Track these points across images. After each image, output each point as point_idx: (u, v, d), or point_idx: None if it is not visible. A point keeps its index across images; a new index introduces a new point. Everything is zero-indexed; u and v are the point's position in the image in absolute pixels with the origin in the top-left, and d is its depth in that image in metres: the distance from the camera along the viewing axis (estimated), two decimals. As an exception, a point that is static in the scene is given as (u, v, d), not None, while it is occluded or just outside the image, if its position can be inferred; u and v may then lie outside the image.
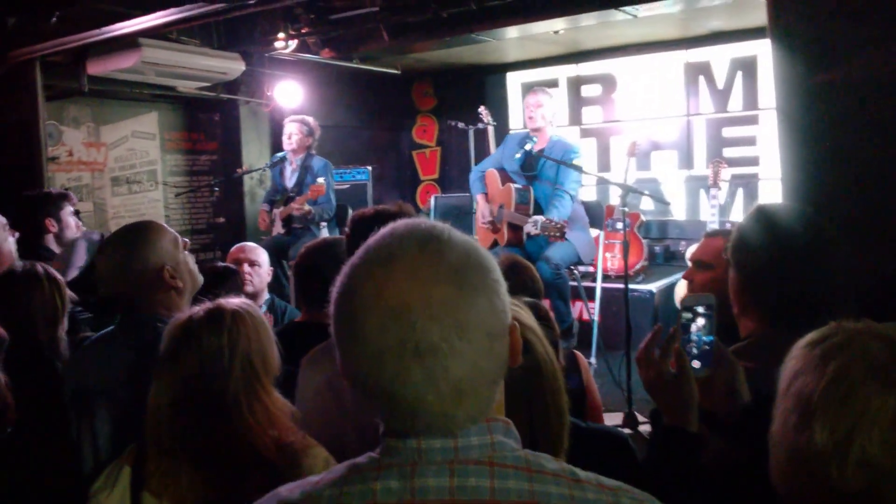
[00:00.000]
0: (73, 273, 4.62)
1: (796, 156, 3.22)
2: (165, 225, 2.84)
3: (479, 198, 6.90)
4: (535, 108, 6.56)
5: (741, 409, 1.88)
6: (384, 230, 1.23)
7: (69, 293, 3.26)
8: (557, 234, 5.70)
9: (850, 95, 3.02)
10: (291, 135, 7.34)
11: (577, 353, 3.55)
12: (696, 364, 1.87)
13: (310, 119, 7.44)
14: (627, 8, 6.71)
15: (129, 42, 6.62)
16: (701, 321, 1.88)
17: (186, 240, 2.88)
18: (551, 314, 2.70)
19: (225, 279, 3.90)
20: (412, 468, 1.16)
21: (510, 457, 1.19)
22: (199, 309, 2.17)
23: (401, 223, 1.24)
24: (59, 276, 3.22)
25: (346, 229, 2.97)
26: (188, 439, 2.02)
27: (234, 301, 2.20)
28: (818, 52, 3.10)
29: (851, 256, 2.29)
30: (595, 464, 2.33)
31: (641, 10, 6.90)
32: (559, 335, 2.64)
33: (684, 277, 3.13)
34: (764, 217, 2.25)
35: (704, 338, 1.88)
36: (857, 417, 1.22)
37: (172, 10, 5.26)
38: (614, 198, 8.39)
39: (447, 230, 1.22)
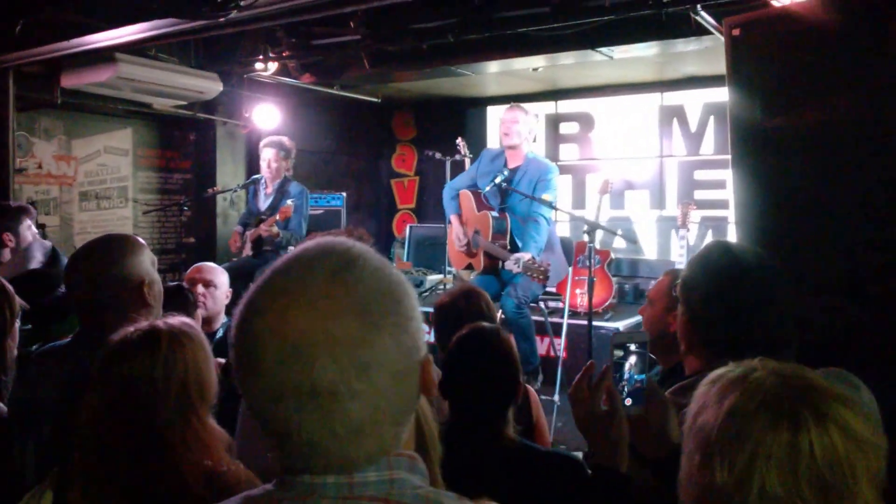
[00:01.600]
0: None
1: (748, 194, 3.27)
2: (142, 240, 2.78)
3: (453, 218, 6.74)
4: (510, 125, 6.40)
5: (673, 449, 1.82)
6: (295, 251, 1.18)
7: (20, 303, 3.17)
8: (540, 277, 5.59)
9: (802, 139, 3.08)
10: (269, 161, 7.20)
11: (529, 387, 3.51)
12: (628, 402, 1.85)
13: (285, 140, 7.32)
14: (603, 49, 6.76)
15: (104, 56, 6.61)
16: (633, 359, 1.86)
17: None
18: (513, 344, 2.69)
19: (171, 298, 3.81)
20: (305, 501, 1.11)
21: (409, 494, 1.13)
22: (133, 329, 2.06)
23: (313, 245, 1.18)
24: (9, 286, 3.13)
25: None
26: (117, 468, 1.90)
27: (172, 322, 2.09)
28: (774, 98, 3.15)
29: (797, 297, 2.27)
30: (547, 485, 2.33)
31: (617, 52, 6.96)
32: (518, 365, 2.64)
33: (639, 313, 3.14)
34: (713, 255, 2.24)
35: (636, 376, 1.86)
36: (753, 452, 1.23)
37: (146, 24, 5.24)
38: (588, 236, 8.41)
39: (363, 257, 1.16)
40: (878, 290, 2.86)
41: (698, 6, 5.15)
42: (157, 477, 1.90)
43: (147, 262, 2.68)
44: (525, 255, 5.73)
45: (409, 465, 1.17)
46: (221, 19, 4.67)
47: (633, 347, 1.87)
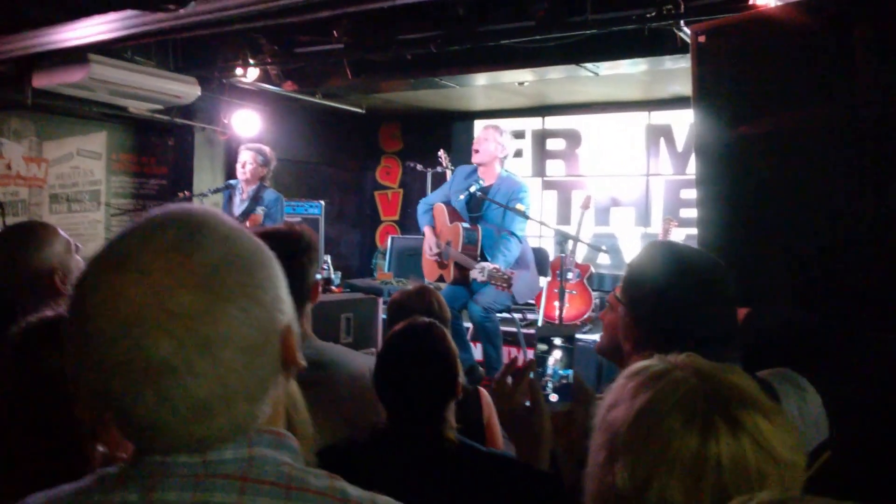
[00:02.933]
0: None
1: (710, 201, 3.24)
2: (59, 228, 2.73)
3: (427, 230, 6.76)
4: (480, 143, 6.47)
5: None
6: (139, 219, 1.07)
7: None
8: (504, 285, 5.62)
9: (764, 148, 3.03)
10: (245, 163, 7.03)
11: (482, 389, 3.43)
12: (553, 398, 1.80)
13: (266, 149, 7.17)
14: (589, 65, 6.72)
15: (76, 56, 6.48)
16: (558, 353, 1.81)
17: (80, 244, 2.76)
18: (448, 338, 2.55)
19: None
20: (154, 482, 1.03)
21: (270, 472, 1.06)
22: (37, 319, 1.94)
23: (156, 212, 1.08)
24: None
25: None
26: (21, 461, 1.78)
27: None
28: (739, 106, 3.11)
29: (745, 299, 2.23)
30: (486, 487, 2.19)
31: (603, 69, 6.95)
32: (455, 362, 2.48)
33: (600, 318, 3.07)
34: (655, 253, 2.15)
35: (561, 371, 1.81)
36: (657, 458, 1.13)
37: (116, 24, 5.15)
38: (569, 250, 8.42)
39: (209, 224, 1.07)
40: (832, 298, 2.84)
41: (681, 22, 5.08)
42: (65, 472, 1.77)
43: (60, 250, 2.64)
44: (490, 264, 5.76)
45: (273, 442, 1.10)
46: (181, 11, 4.56)
47: (557, 342, 1.82)
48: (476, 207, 6.50)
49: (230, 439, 1.05)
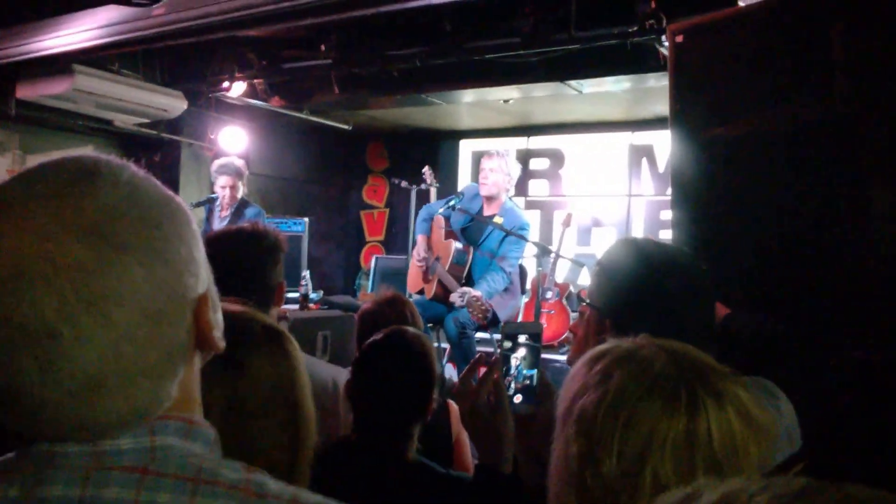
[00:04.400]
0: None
1: (686, 199, 3.22)
2: None
3: (420, 238, 6.65)
4: (488, 174, 6.34)
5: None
6: (33, 165, 0.93)
7: None
8: (479, 316, 5.56)
9: (741, 150, 3.02)
10: (225, 187, 6.99)
11: (452, 404, 3.35)
12: (517, 399, 1.74)
13: (238, 163, 7.13)
14: (573, 82, 6.77)
15: (60, 67, 6.48)
16: (522, 351, 1.75)
17: None
18: (433, 354, 2.52)
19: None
20: (39, 475, 0.90)
21: (176, 463, 0.93)
22: None
23: (57, 158, 0.94)
24: None
25: None
26: None
27: None
28: (716, 107, 3.10)
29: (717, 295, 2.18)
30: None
31: (587, 87, 6.99)
32: (434, 379, 2.47)
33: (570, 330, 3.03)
34: (620, 250, 2.07)
35: (525, 370, 1.75)
36: (647, 440, 1.10)
37: (99, 31, 5.15)
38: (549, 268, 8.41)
39: (110, 168, 0.92)
40: (803, 304, 2.81)
41: (663, 37, 5.13)
42: None
43: None
44: (471, 292, 5.71)
45: (181, 430, 0.96)
46: (164, 18, 4.59)
47: (522, 339, 1.75)
48: (474, 236, 6.43)
49: (128, 426, 0.92)
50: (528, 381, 1.75)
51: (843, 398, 2.53)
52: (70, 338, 0.84)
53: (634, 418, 1.11)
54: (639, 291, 1.92)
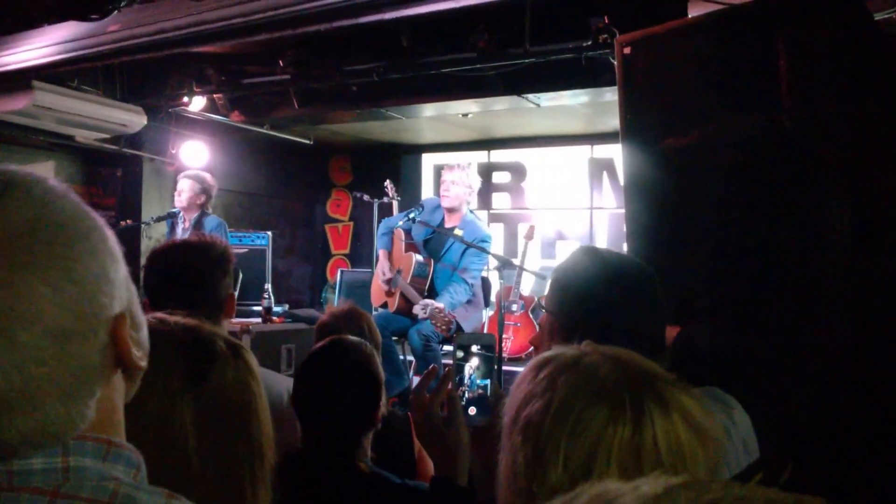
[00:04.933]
0: None
1: (638, 211, 3.25)
2: None
3: (382, 253, 6.63)
4: (450, 186, 6.36)
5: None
6: None
7: None
8: (442, 327, 5.58)
9: (692, 161, 3.04)
10: (182, 191, 6.99)
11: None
12: (472, 410, 1.74)
13: (206, 176, 7.13)
14: (530, 96, 6.82)
15: (20, 83, 6.48)
16: (475, 361, 1.75)
17: None
18: (376, 361, 2.49)
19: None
20: None
21: (90, 487, 0.89)
22: None
23: None
24: None
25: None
26: None
27: None
28: (665, 118, 3.12)
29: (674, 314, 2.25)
30: None
31: (545, 100, 7.05)
32: (380, 387, 2.44)
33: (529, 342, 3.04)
34: (576, 257, 2.07)
35: (478, 381, 1.75)
36: (592, 447, 1.09)
37: (57, 47, 5.17)
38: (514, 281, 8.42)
39: (25, 181, 0.91)
40: (761, 314, 2.82)
41: (617, 51, 5.20)
42: None
43: None
44: (433, 303, 5.73)
45: (99, 452, 0.93)
46: (120, 33, 4.61)
47: (475, 349, 1.76)
48: (436, 248, 6.44)
49: (40, 446, 0.89)
50: (481, 391, 1.75)
51: (803, 409, 2.56)
52: None
53: (580, 426, 1.11)
54: (588, 298, 1.94)
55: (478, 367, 1.76)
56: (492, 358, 1.77)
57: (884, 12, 2.93)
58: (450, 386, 1.73)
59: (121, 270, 0.97)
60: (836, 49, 2.68)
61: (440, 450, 1.73)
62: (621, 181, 8.97)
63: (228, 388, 1.39)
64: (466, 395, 1.76)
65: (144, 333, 1.02)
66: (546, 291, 2.10)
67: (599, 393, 1.12)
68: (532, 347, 7.51)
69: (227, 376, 1.41)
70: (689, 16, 4.09)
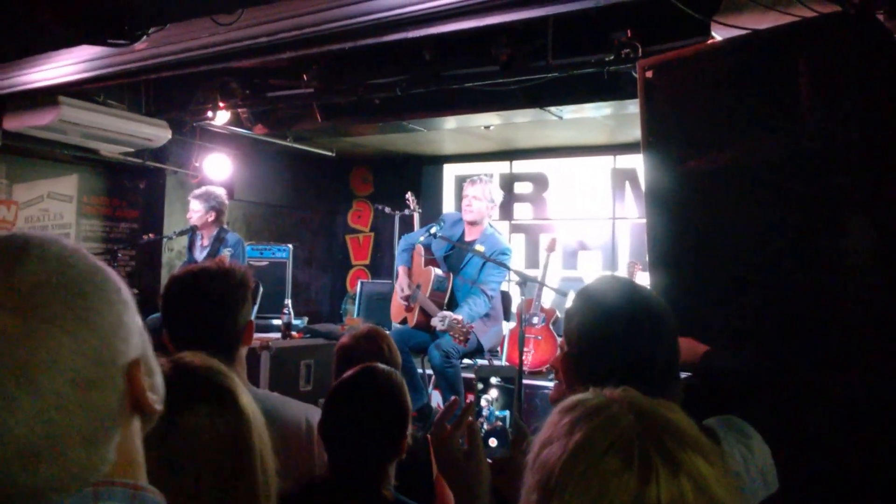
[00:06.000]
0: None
1: (661, 239, 3.22)
2: None
3: (402, 269, 6.63)
4: (472, 201, 6.35)
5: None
6: None
7: None
8: (461, 338, 5.57)
9: (715, 183, 3.01)
10: (192, 212, 6.96)
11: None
12: (493, 442, 1.74)
13: (214, 192, 7.09)
14: (553, 108, 6.84)
15: (46, 99, 6.55)
16: (494, 393, 1.75)
17: None
18: (405, 391, 2.47)
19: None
20: None
21: None
22: None
23: None
24: None
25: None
26: None
27: None
28: (688, 140, 3.10)
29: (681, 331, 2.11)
30: None
31: (567, 113, 7.07)
32: (408, 416, 2.42)
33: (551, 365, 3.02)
34: (594, 287, 2.05)
35: (497, 412, 1.74)
36: (595, 498, 1.07)
37: (84, 65, 5.22)
38: (535, 294, 8.40)
39: (41, 244, 0.96)
40: (784, 341, 2.77)
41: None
42: None
43: None
44: (451, 315, 5.72)
45: (127, 497, 0.96)
46: (147, 52, 4.66)
47: (494, 381, 1.75)
48: (455, 262, 6.44)
49: (67, 491, 0.92)
50: (499, 423, 1.75)
51: (823, 436, 2.52)
52: (1, 407, 0.86)
53: (588, 474, 1.09)
54: (592, 329, 1.93)
55: (496, 399, 1.76)
56: (510, 389, 1.76)
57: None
58: (469, 419, 1.73)
59: (135, 318, 1.02)
60: (857, 71, 2.67)
61: (461, 482, 1.72)
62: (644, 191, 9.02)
63: (202, 433, 1.40)
64: (485, 426, 1.75)
65: (159, 378, 1.06)
66: (565, 316, 2.09)
67: (614, 444, 1.10)
68: (553, 360, 7.50)
69: (201, 421, 1.42)
70: (713, 33, 4.10)
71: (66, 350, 0.90)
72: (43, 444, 0.88)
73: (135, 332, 1.01)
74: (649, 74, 3.19)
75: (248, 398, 1.53)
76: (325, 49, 4.68)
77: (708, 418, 2.03)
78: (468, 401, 1.76)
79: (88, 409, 0.92)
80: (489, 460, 1.74)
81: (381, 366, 2.52)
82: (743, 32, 3.34)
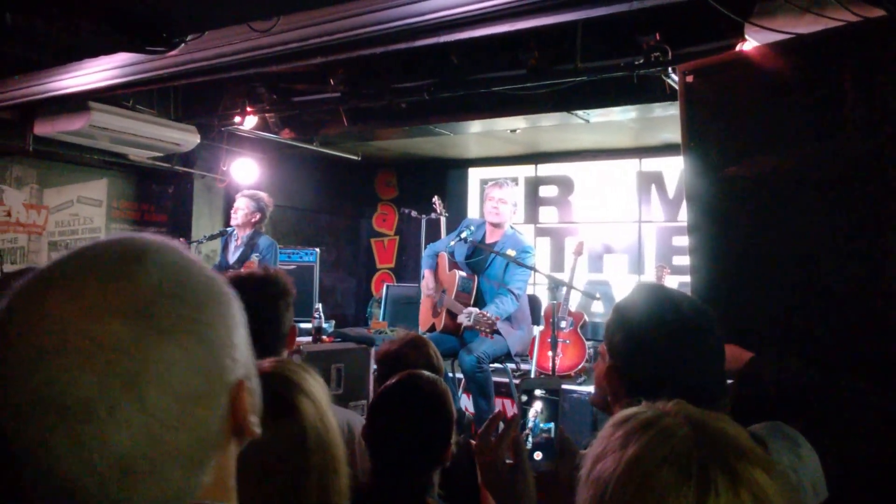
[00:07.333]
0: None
1: (702, 244, 3.22)
2: None
3: (427, 272, 6.70)
4: (499, 203, 6.38)
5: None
6: (82, 243, 0.94)
7: None
8: (487, 330, 5.60)
9: (756, 189, 3.01)
10: (238, 209, 7.10)
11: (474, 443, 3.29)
12: (537, 455, 1.73)
13: (263, 195, 7.23)
14: (580, 112, 6.83)
15: (77, 104, 6.60)
16: (539, 405, 1.74)
17: None
18: (450, 398, 2.49)
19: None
20: None
21: None
22: None
23: (106, 237, 0.96)
24: None
25: None
26: None
27: None
28: (729, 146, 3.09)
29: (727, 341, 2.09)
30: None
31: (594, 116, 7.05)
32: (452, 423, 2.44)
33: (593, 368, 3.00)
34: (636, 297, 2.03)
35: (542, 424, 1.72)
36: None
37: (115, 71, 5.26)
38: (563, 298, 8.37)
39: (159, 249, 0.94)
40: (832, 350, 2.74)
41: (669, 69, 5.20)
42: None
43: None
44: (476, 310, 5.76)
45: None
46: (180, 58, 4.69)
47: (538, 393, 1.74)
48: (477, 263, 6.47)
49: None
50: (545, 435, 1.74)
51: (870, 447, 2.49)
52: (105, 418, 0.82)
53: (644, 488, 1.07)
54: (640, 339, 1.92)
55: (541, 411, 1.75)
56: (556, 401, 1.76)
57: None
58: (513, 433, 1.71)
59: (244, 336, 0.99)
60: None
61: (506, 496, 1.71)
62: (670, 194, 9.02)
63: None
64: (531, 439, 1.74)
65: (259, 399, 1.02)
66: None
67: (668, 457, 1.08)
68: (581, 364, 7.50)
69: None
70: (746, 37, 4.07)
71: (176, 364, 0.87)
72: (143, 461, 0.85)
73: (243, 350, 0.98)
74: (690, 79, 3.19)
75: (315, 411, 1.52)
76: (355, 54, 4.69)
77: (753, 425, 2.00)
78: (513, 414, 1.74)
79: (192, 428, 0.89)
80: (535, 473, 1.73)
81: (426, 373, 2.53)
82: (783, 36, 3.33)
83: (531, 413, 1.75)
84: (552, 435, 1.75)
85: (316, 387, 1.70)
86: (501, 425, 1.80)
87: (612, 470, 1.11)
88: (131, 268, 0.89)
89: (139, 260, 0.90)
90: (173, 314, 0.89)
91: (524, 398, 1.75)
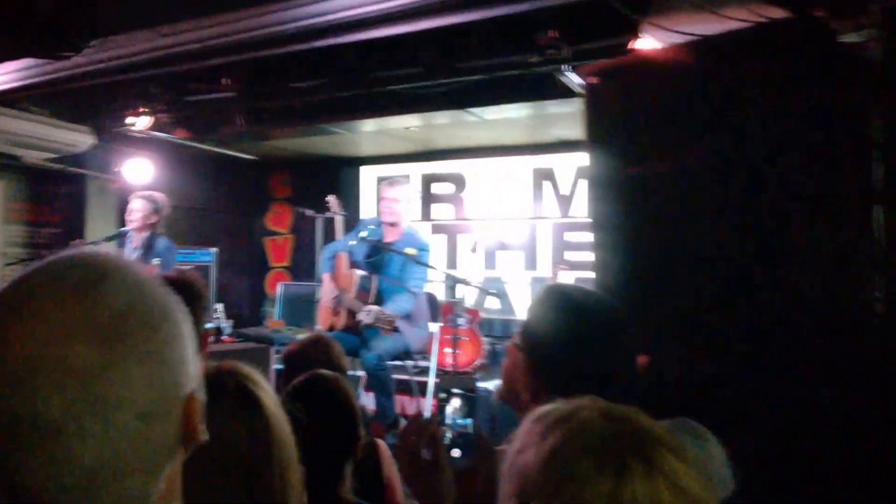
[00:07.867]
0: None
1: (607, 244, 3.26)
2: None
3: (326, 277, 6.72)
4: (392, 203, 6.49)
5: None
6: (42, 261, 0.99)
7: None
8: (387, 328, 5.70)
9: (660, 189, 3.07)
10: (133, 211, 6.99)
11: (380, 441, 3.38)
12: (455, 452, 1.79)
13: (158, 196, 7.15)
14: (475, 110, 6.92)
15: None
16: (457, 402, 1.80)
17: None
18: (352, 393, 2.56)
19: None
20: None
21: None
22: None
23: (63, 256, 1.00)
24: None
25: None
26: None
27: None
28: (632, 147, 3.15)
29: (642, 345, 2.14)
30: None
31: (489, 113, 7.15)
32: (358, 417, 2.52)
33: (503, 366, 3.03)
34: (548, 296, 2.11)
35: (459, 420, 1.81)
36: (572, 500, 1.08)
37: (14, 74, 5.17)
38: (459, 295, 8.45)
39: (119, 271, 0.98)
40: (739, 347, 2.81)
41: (563, 67, 5.32)
42: None
43: None
44: (376, 308, 5.87)
45: None
46: (79, 60, 4.65)
47: (456, 391, 1.81)
48: (377, 263, 6.54)
49: None
50: (463, 431, 1.81)
51: (779, 439, 2.58)
52: (73, 435, 0.89)
53: (564, 479, 1.10)
54: (555, 341, 1.98)
55: (459, 408, 1.82)
56: (473, 398, 1.83)
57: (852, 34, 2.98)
58: (433, 430, 1.77)
59: (193, 348, 1.05)
60: (807, 74, 2.74)
61: (426, 493, 1.75)
62: (563, 191, 9.16)
63: (221, 441, 1.39)
64: (449, 434, 1.81)
65: (203, 406, 1.07)
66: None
67: (586, 448, 1.12)
68: (478, 361, 7.59)
69: (223, 428, 1.44)
70: (641, 35, 4.14)
71: (138, 384, 0.94)
72: (107, 473, 0.92)
73: (193, 364, 1.03)
74: (593, 80, 3.25)
75: (275, 405, 1.58)
76: (255, 55, 4.70)
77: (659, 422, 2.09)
78: (432, 413, 1.81)
79: (151, 441, 0.96)
80: (453, 469, 1.79)
81: (328, 372, 2.61)
82: (679, 35, 3.41)
83: (449, 409, 1.82)
84: (469, 429, 1.82)
85: (267, 384, 1.77)
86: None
87: (532, 462, 1.15)
88: (94, 291, 0.94)
89: (101, 282, 0.96)
90: (135, 335, 0.94)
91: (443, 395, 1.82)
